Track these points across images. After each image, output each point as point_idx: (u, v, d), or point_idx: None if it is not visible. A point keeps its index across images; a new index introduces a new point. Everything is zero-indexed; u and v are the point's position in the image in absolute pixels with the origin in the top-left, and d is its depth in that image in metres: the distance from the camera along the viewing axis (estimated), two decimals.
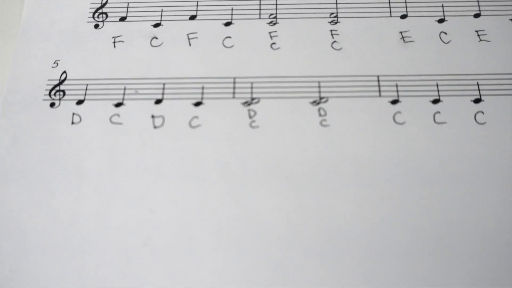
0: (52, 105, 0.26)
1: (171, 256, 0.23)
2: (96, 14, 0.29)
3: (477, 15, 0.28)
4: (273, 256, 0.23)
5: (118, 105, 0.26)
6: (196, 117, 0.25)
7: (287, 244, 0.23)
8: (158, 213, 0.24)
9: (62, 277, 0.22)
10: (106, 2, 0.29)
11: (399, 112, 0.25)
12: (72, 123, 0.26)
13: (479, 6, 0.28)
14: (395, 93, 0.25)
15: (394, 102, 0.25)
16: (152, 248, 0.23)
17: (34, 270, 0.23)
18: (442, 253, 0.22)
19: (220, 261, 0.23)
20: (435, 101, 0.25)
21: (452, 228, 0.23)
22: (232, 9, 0.28)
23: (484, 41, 0.27)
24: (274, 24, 0.28)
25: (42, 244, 0.23)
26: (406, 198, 0.23)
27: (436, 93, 0.25)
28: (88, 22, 0.29)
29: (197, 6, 0.28)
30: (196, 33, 0.28)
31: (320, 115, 0.25)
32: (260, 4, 0.28)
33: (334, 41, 0.27)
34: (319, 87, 0.26)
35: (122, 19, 0.28)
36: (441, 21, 0.27)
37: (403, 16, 0.28)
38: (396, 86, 0.26)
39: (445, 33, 0.27)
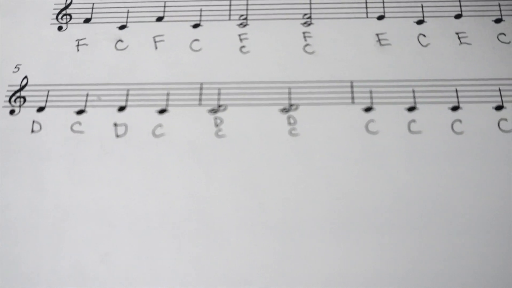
0: (11, 112, 0.25)
1: (129, 273, 0.22)
2: (60, 16, 0.28)
3: (458, 16, 0.26)
4: (235, 272, 0.22)
5: (79, 112, 0.25)
6: (160, 125, 0.24)
7: (250, 261, 0.22)
8: (118, 228, 0.23)
9: None
10: (71, 3, 0.28)
11: (372, 120, 0.24)
12: (32, 131, 0.25)
13: (460, 6, 0.26)
14: (368, 100, 0.24)
15: (368, 109, 0.24)
16: (109, 264, 0.22)
17: None
18: (421, 266, 0.21)
19: (181, 278, 0.22)
20: (411, 109, 0.24)
21: (430, 240, 0.22)
22: (201, 10, 0.27)
23: (465, 44, 0.25)
24: (245, 26, 0.26)
25: None
26: (377, 209, 0.22)
27: (412, 100, 0.24)
28: (51, 24, 0.27)
29: (164, 6, 0.27)
30: (163, 35, 0.26)
31: (289, 123, 0.24)
32: (230, 5, 0.27)
33: (307, 44, 0.26)
34: (289, 93, 0.25)
35: (87, 20, 0.27)
36: (420, 22, 0.26)
37: (380, 17, 0.26)
38: (370, 92, 0.24)
39: (424, 36, 0.26)
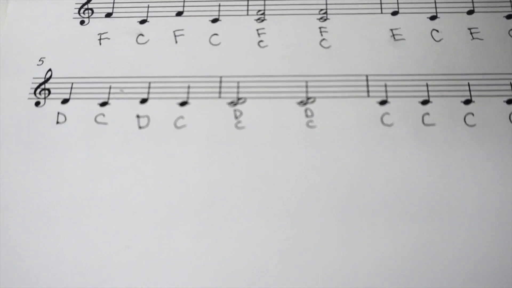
0: (37, 104, 0.26)
1: (150, 261, 0.23)
2: (82, 10, 0.28)
3: (470, 12, 0.27)
4: (253, 259, 0.22)
5: (103, 104, 0.26)
6: (182, 117, 0.25)
7: (267, 248, 0.23)
8: (140, 216, 0.23)
9: (39, 281, 0.22)
10: None
11: (387, 113, 0.25)
12: (57, 122, 0.26)
13: (472, 2, 0.27)
14: (383, 94, 0.25)
15: (383, 103, 0.25)
16: (132, 253, 0.23)
17: (11, 274, 0.23)
18: (431, 258, 0.22)
19: (200, 265, 0.22)
20: (424, 102, 0.25)
21: (441, 233, 0.22)
22: (219, 5, 0.28)
23: (477, 39, 0.26)
24: (262, 20, 0.27)
25: (20, 246, 0.23)
26: (391, 201, 0.23)
27: (426, 93, 0.25)
28: (73, 18, 0.28)
29: (184, 1, 0.28)
30: (182, 30, 0.27)
31: (307, 116, 0.25)
32: (248, 0, 0.28)
33: (323, 39, 0.27)
34: (307, 86, 0.25)
35: (108, 15, 0.28)
36: (433, 18, 0.27)
37: (394, 13, 0.27)
38: (385, 86, 0.25)
39: (437, 31, 0.26)
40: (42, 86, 0.26)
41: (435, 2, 0.27)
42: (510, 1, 0.27)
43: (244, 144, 0.24)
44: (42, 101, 0.26)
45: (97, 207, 0.24)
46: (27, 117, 0.26)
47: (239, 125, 0.25)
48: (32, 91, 0.26)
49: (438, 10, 0.27)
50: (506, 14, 0.27)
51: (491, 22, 0.26)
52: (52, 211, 0.24)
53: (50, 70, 0.27)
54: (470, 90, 0.25)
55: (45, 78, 0.27)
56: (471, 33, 0.26)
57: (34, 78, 0.27)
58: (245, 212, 0.23)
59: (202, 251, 0.23)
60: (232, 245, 0.23)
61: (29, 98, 0.26)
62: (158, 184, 0.24)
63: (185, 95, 0.26)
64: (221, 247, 0.23)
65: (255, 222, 0.23)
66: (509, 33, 0.26)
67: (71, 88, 0.26)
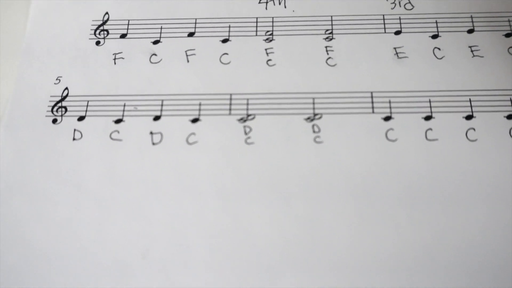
0: (54, 121, 0.27)
1: (167, 268, 0.23)
2: (98, 31, 0.29)
3: (470, 31, 0.28)
4: (266, 269, 0.23)
5: (118, 121, 0.27)
6: (193, 133, 0.26)
7: (280, 259, 0.23)
8: (155, 225, 0.24)
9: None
10: (108, 19, 0.30)
11: (391, 129, 0.26)
12: (74, 139, 0.27)
13: (472, 22, 0.28)
14: (388, 110, 0.26)
15: (387, 118, 0.26)
16: (149, 260, 0.24)
17: (36, 281, 0.24)
18: (430, 267, 0.23)
19: (215, 274, 0.23)
20: (427, 118, 0.26)
21: (440, 243, 0.23)
22: (229, 26, 0.29)
23: (478, 57, 0.27)
24: (271, 41, 0.28)
25: (44, 255, 0.24)
26: (397, 215, 0.24)
27: (429, 109, 0.26)
28: (89, 38, 0.29)
29: (195, 23, 0.29)
30: (194, 49, 0.28)
31: (314, 131, 0.26)
32: (257, 21, 0.29)
33: (329, 57, 0.28)
34: (314, 103, 0.26)
35: (123, 36, 0.29)
36: (434, 36, 0.28)
37: (397, 32, 0.28)
38: (389, 102, 0.26)
39: (439, 49, 0.27)
40: (59, 104, 0.28)
41: (436, 22, 0.28)
42: (509, 20, 0.28)
43: (254, 159, 0.25)
44: (59, 119, 0.27)
45: (115, 217, 0.25)
46: (45, 134, 0.27)
47: (248, 140, 0.26)
48: (50, 108, 0.28)
49: (440, 29, 0.28)
50: (505, 32, 0.28)
51: (490, 40, 0.27)
52: (73, 222, 0.25)
53: (66, 88, 0.28)
54: (471, 106, 0.26)
55: (61, 96, 0.28)
56: (471, 51, 0.27)
57: (51, 96, 0.28)
58: (256, 224, 0.24)
59: (216, 260, 0.23)
60: (245, 254, 0.23)
61: (46, 116, 0.27)
62: (172, 197, 0.25)
63: (197, 112, 0.27)
64: (235, 256, 0.23)
65: (266, 233, 0.24)
66: (508, 50, 0.27)
67: (87, 105, 0.27)
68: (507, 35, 0.28)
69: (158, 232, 0.24)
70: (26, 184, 0.26)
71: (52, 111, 0.27)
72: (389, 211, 0.24)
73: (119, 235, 0.24)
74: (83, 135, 0.27)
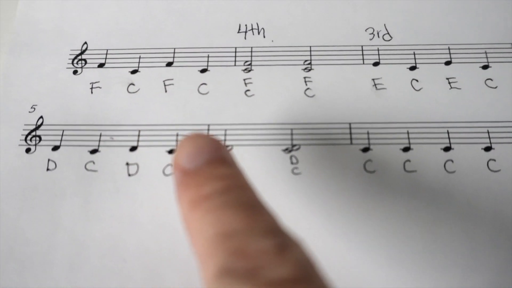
0: (27, 150, 0.27)
1: None
2: (76, 60, 0.29)
3: (448, 63, 0.28)
4: None
5: (93, 151, 0.26)
6: (170, 164, 0.26)
7: None
8: (131, 263, 0.24)
9: None
10: (86, 49, 0.30)
11: (369, 160, 0.25)
12: (48, 169, 0.26)
13: (450, 53, 0.28)
14: (366, 141, 0.26)
15: (365, 150, 0.26)
16: None
17: None
18: None
19: None
20: (406, 149, 0.26)
21: (427, 279, 0.23)
22: (208, 56, 0.29)
23: (455, 88, 0.27)
24: (249, 71, 0.28)
25: None
26: (376, 247, 0.23)
27: (407, 140, 0.26)
28: (67, 68, 0.29)
29: (174, 53, 0.29)
30: (172, 79, 0.28)
31: (292, 162, 0.26)
32: (235, 51, 0.29)
33: (308, 88, 0.28)
34: (292, 134, 0.26)
35: (101, 65, 0.29)
36: (412, 68, 0.28)
37: (376, 64, 0.28)
38: (368, 133, 0.26)
39: (417, 80, 0.28)
40: (33, 133, 0.27)
41: (414, 54, 0.28)
42: (485, 53, 0.28)
43: None
44: (32, 148, 0.27)
45: (90, 253, 0.24)
46: (18, 164, 0.26)
47: None
48: (23, 137, 0.27)
49: (418, 61, 0.28)
50: (482, 64, 0.28)
51: (468, 72, 0.28)
52: (46, 260, 0.24)
53: (41, 117, 0.28)
54: (449, 138, 0.26)
55: (36, 125, 0.27)
56: (449, 83, 0.28)
57: (25, 125, 0.27)
58: None
59: None
60: None
61: (20, 145, 0.27)
62: (148, 231, 0.24)
63: (174, 143, 0.26)
64: None
65: None
66: (485, 82, 0.27)
67: (62, 135, 0.27)
68: (484, 67, 0.28)
69: (133, 269, 0.23)
70: None
71: (25, 140, 0.27)
72: (366, 245, 0.23)
73: (92, 273, 0.23)
74: (57, 165, 0.26)
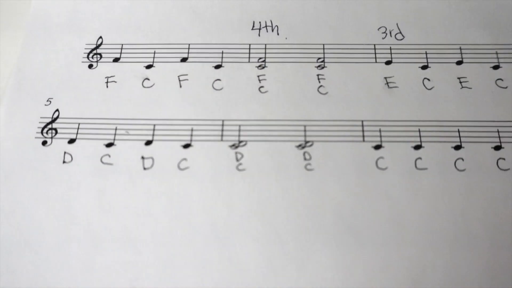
0: (44, 143, 0.27)
1: None
2: (91, 55, 0.30)
3: (459, 62, 0.28)
4: None
5: (109, 145, 0.27)
6: (185, 159, 0.26)
7: (270, 285, 0.23)
8: (145, 255, 0.24)
9: None
10: (101, 43, 0.30)
11: (381, 157, 0.26)
12: (64, 162, 0.26)
13: (461, 53, 0.29)
14: (378, 138, 0.26)
15: (377, 147, 0.26)
16: None
17: None
18: None
19: None
20: (417, 147, 0.26)
21: (430, 280, 0.23)
22: (222, 52, 0.29)
23: (466, 88, 0.28)
24: (263, 67, 0.28)
25: (32, 285, 0.24)
26: (385, 245, 0.24)
27: (418, 139, 0.26)
28: (82, 62, 0.29)
29: (188, 48, 0.29)
30: (187, 75, 0.28)
31: (305, 159, 0.26)
32: (249, 48, 0.29)
33: (321, 86, 0.28)
34: (305, 130, 0.27)
35: (116, 60, 0.29)
36: (424, 67, 0.28)
37: (388, 62, 0.28)
38: (380, 131, 0.26)
39: (428, 80, 0.28)
40: (49, 126, 0.27)
41: (426, 53, 0.29)
42: (497, 53, 0.29)
43: (245, 186, 0.25)
44: (49, 141, 0.27)
45: (105, 245, 0.24)
46: (34, 156, 0.27)
47: (240, 167, 0.26)
48: (40, 130, 0.27)
49: (429, 60, 0.28)
50: (493, 65, 0.28)
51: (479, 72, 0.28)
52: (61, 251, 0.24)
53: (57, 110, 0.28)
54: (460, 136, 0.26)
55: (52, 118, 0.28)
56: (460, 82, 0.28)
57: (41, 117, 0.28)
58: (247, 251, 0.24)
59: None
60: (235, 282, 0.23)
61: (36, 137, 0.27)
62: (162, 224, 0.25)
63: (189, 138, 0.27)
64: (224, 284, 0.23)
65: (257, 261, 0.24)
66: (495, 82, 0.28)
67: (78, 128, 0.27)
68: (495, 67, 0.28)
69: (147, 261, 0.24)
70: (15, 210, 0.25)
71: (42, 132, 0.27)
72: (377, 242, 0.24)
73: (107, 265, 0.24)
74: (73, 158, 0.26)
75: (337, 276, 0.23)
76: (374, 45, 0.29)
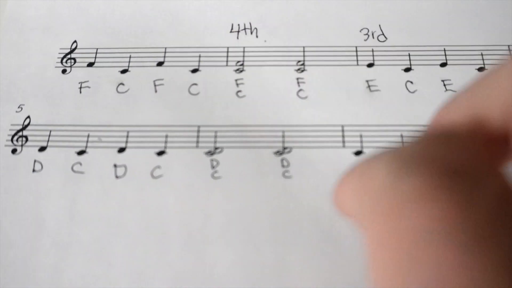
0: (13, 151, 0.26)
1: None
2: (65, 59, 0.29)
3: (443, 64, 0.28)
4: None
5: (80, 153, 0.26)
6: (159, 167, 0.25)
7: None
8: (117, 267, 0.23)
9: None
10: (76, 48, 0.29)
11: None
12: (33, 171, 0.25)
13: (445, 55, 0.28)
14: (359, 144, 0.25)
15: (358, 153, 0.25)
16: None
17: None
18: None
19: None
20: None
21: None
22: (199, 56, 0.28)
23: (450, 91, 0.27)
24: (241, 71, 0.28)
25: None
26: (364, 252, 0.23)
27: (401, 144, 0.25)
28: (56, 67, 0.28)
29: (165, 52, 0.28)
30: (162, 79, 0.28)
31: (283, 166, 0.25)
32: (227, 51, 0.28)
33: (300, 89, 0.27)
34: (283, 136, 0.26)
35: (90, 64, 0.28)
36: (407, 70, 0.27)
37: (370, 65, 0.28)
38: (361, 136, 0.26)
39: (411, 82, 0.27)
40: (20, 133, 0.27)
41: (409, 55, 0.28)
42: (482, 54, 0.28)
43: (221, 194, 0.24)
44: (19, 149, 0.26)
45: (75, 257, 0.23)
46: (3, 165, 0.26)
47: (215, 175, 0.25)
48: (9, 137, 0.26)
49: (412, 62, 0.28)
50: (477, 66, 0.28)
51: (463, 74, 0.27)
52: (29, 264, 0.23)
53: (28, 117, 0.27)
54: None
55: (23, 125, 0.27)
56: (444, 85, 0.27)
57: (11, 125, 0.27)
58: (222, 267, 0.23)
59: None
60: None
61: (6, 145, 0.26)
62: (135, 234, 0.24)
63: (163, 144, 0.26)
64: None
65: (234, 270, 0.23)
66: None
67: (49, 135, 0.26)
68: (480, 69, 0.27)
69: (120, 274, 0.23)
70: None
71: (12, 140, 0.26)
72: (357, 256, 0.23)
73: (77, 278, 0.23)
74: (43, 166, 0.26)
75: (316, 285, 0.22)
76: (356, 47, 0.28)
